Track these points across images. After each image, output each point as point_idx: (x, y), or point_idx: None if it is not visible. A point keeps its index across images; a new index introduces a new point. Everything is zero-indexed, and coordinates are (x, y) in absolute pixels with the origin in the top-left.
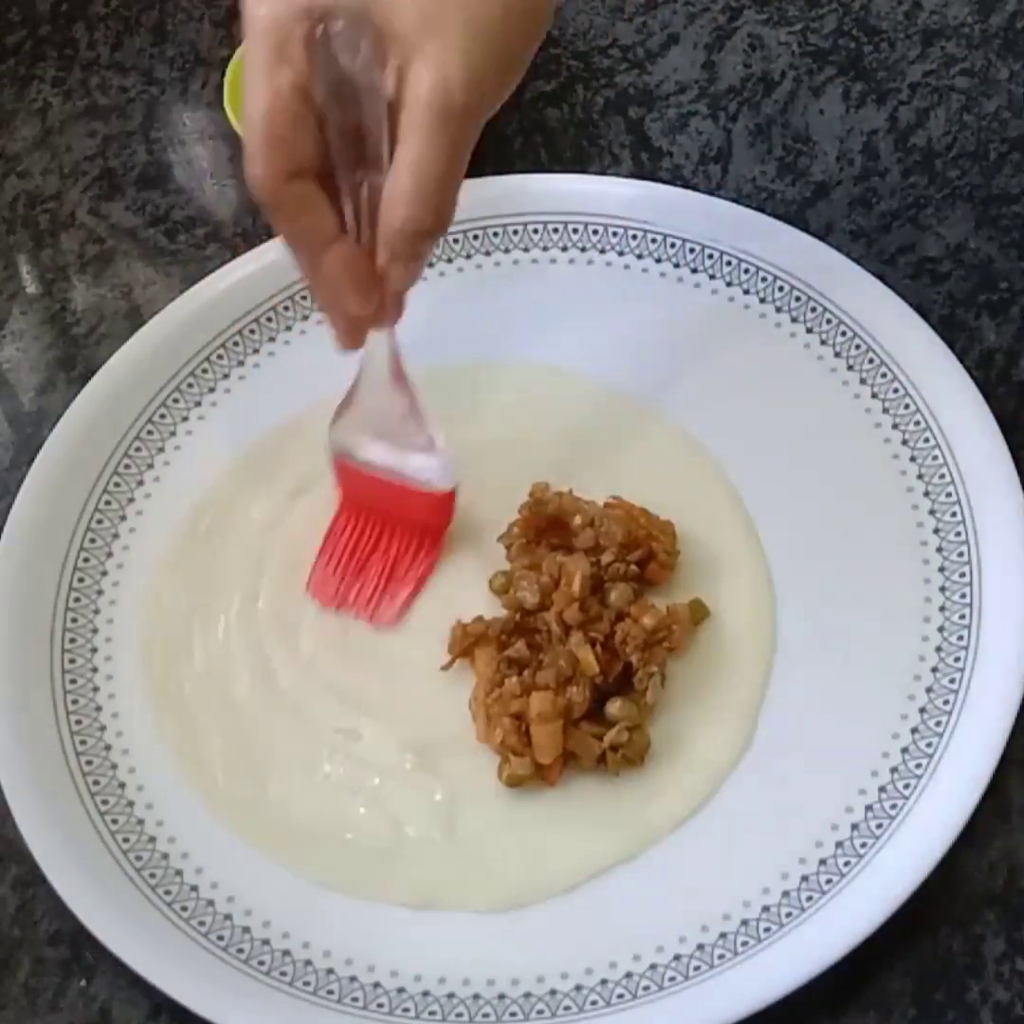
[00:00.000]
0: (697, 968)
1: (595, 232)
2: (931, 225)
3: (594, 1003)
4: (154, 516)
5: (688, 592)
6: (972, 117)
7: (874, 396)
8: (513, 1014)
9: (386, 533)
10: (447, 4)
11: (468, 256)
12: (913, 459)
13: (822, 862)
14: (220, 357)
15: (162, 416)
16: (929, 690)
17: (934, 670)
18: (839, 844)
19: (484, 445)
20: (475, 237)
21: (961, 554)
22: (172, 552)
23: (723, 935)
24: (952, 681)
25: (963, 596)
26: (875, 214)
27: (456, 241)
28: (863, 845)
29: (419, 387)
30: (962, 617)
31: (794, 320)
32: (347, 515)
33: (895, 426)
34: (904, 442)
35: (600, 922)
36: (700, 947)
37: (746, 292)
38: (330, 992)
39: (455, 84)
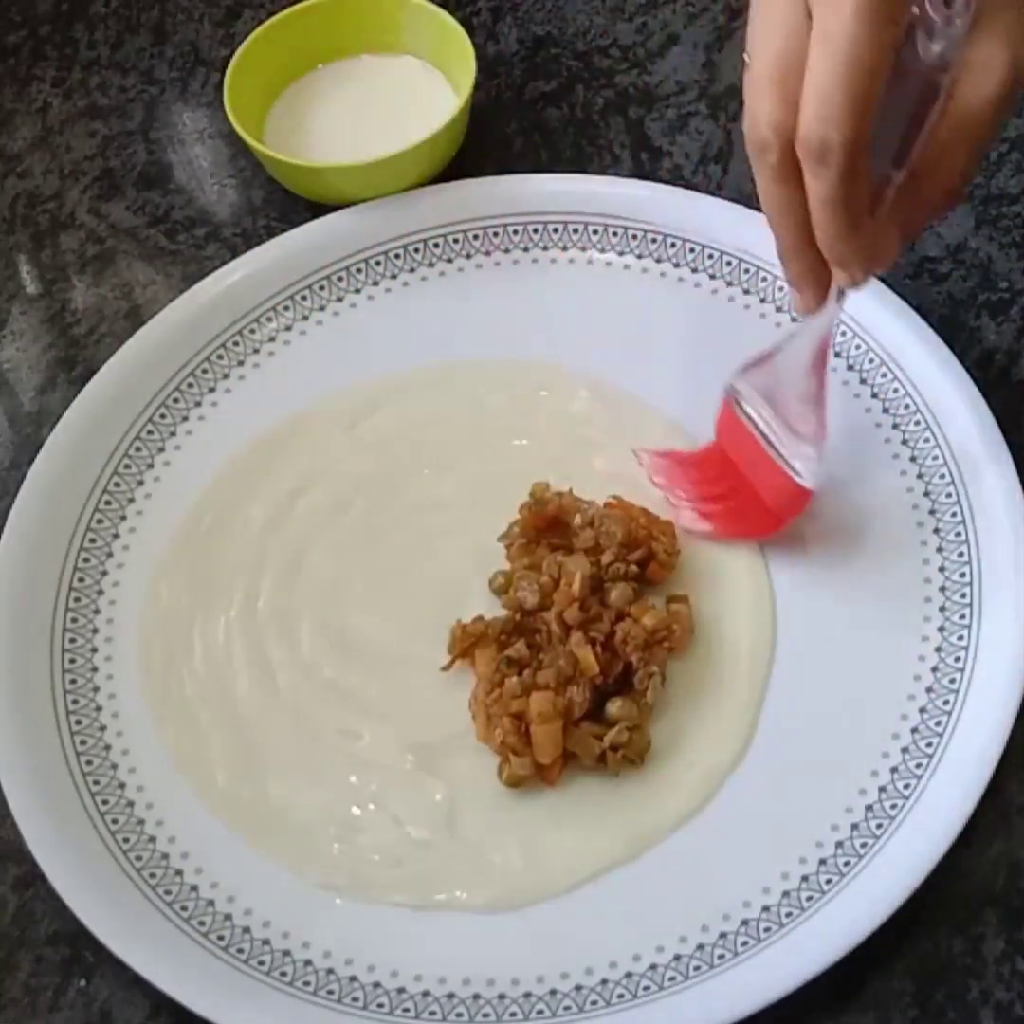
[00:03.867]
0: (697, 968)
1: (595, 232)
2: (931, 225)
3: (594, 1003)
4: (154, 516)
5: (688, 592)
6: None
7: (874, 396)
8: (513, 1014)
9: (732, 491)
10: None
11: (468, 256)
12: (913, 459)
13: (822, 862)
14: (220, 357)
15: (162, 416)
16: (929, 690)
17: (934, 670)
18: (839, 844)
19: (484, 445)
20: (475, 237)
21: (961, 554)
22: (172, 552)
23: (723, 935)
24: (952, 681)
25: (963, 596)
26: None
27: (456, 241)
28: (863, 845)
29: (824, 383)
30: (962, 617)
31: (794, 320)
32: (709, 454)
33: (895, 426)
34: (904, 442)
35: (600, 922)
36: (700, 947)
37: (746, 292)
38: (330, 992)
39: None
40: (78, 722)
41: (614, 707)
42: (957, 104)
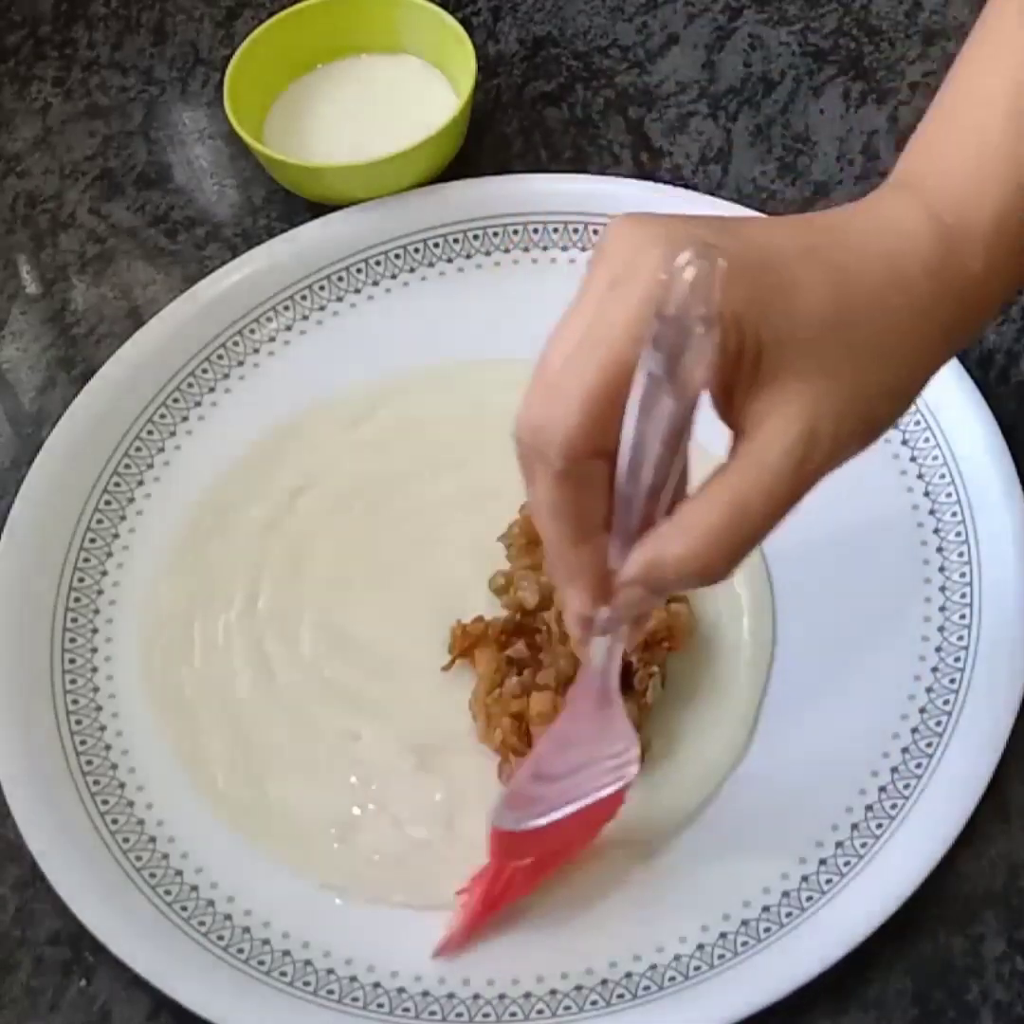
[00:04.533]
0: (697, 968)
1: (595, 232)
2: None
3: (594, 1003)
4: (154, 516)
5: (688, 592)
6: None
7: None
8: (513, 1014)
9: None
10: (844, 340)
11: (468, 256)
12: (913, 459)
13: (822, 862)
14: (220, 357)
15: (162, 416)
16: (929, 690)
17: (934, 670)
18: (839, 844)
19: (484, 445)
20: (475, 237)
21: (961, 554)
22: (172, 552)
23: (723, 935)
24: (952, 681)
25: (963, 596)
26: None
27: (456, 241)
28: (863, 845)
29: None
30: (962, 617)
31: None
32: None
33: (895, 426)
34: (904, 442)
35: (600, 922)
36: (700, 947)
37: None
38: (330, 992)
39: (824, 445)
40: (78, 722)
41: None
42: (734, 459)
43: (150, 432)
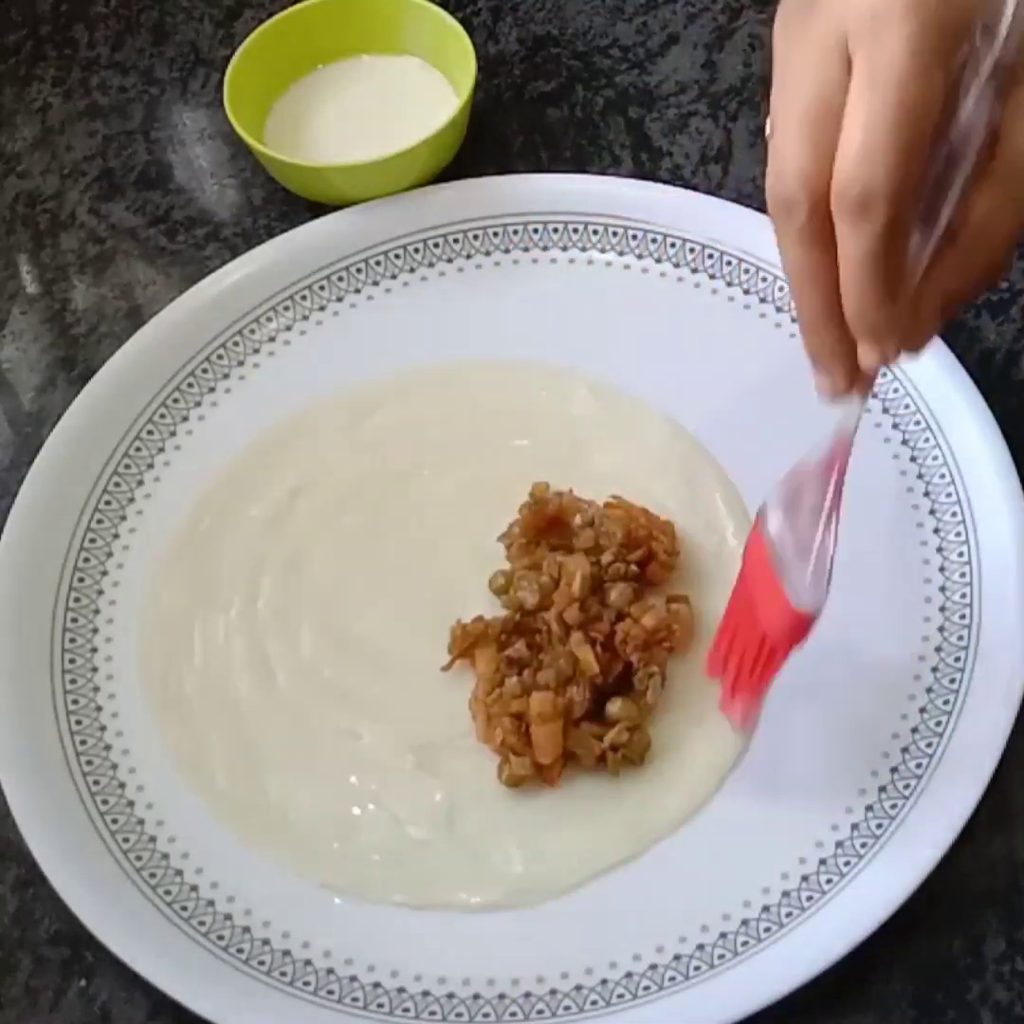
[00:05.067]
0: (697, 968)
1: (595, 232)
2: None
3: (594, 1003)
4: (154, 516)
5: (688, 592)
6: None
7: (874, 395)
8: (513, 1014)
9: (748, 621)
10: None
11: (468, 256)
12: (913, 459)
13: (822, 862)
14: (220, 357)
15: (162, 416)
16: (929, 690)
17: (934, 670)
18: (839, 844)
19: (484, 445)
20: (475, 237)
21: (961, 554)
22: (172, 552)
23: (723, 935)
24: (952, 681)
25: (963, 596)
26: None
27: (456, 241)
28: (863, 845)
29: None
30: (962, 617)
31: (794, 320)
32: (739, 587)
33: (895, 426)
34: (904, 442)
35: (600, 922)
36: (700, 947)
37: (746, 292)
38: (330, 992)
39: None
40: (78, 722)
41: (614, 707)
42: (1004, 165)
43: (150, 432)
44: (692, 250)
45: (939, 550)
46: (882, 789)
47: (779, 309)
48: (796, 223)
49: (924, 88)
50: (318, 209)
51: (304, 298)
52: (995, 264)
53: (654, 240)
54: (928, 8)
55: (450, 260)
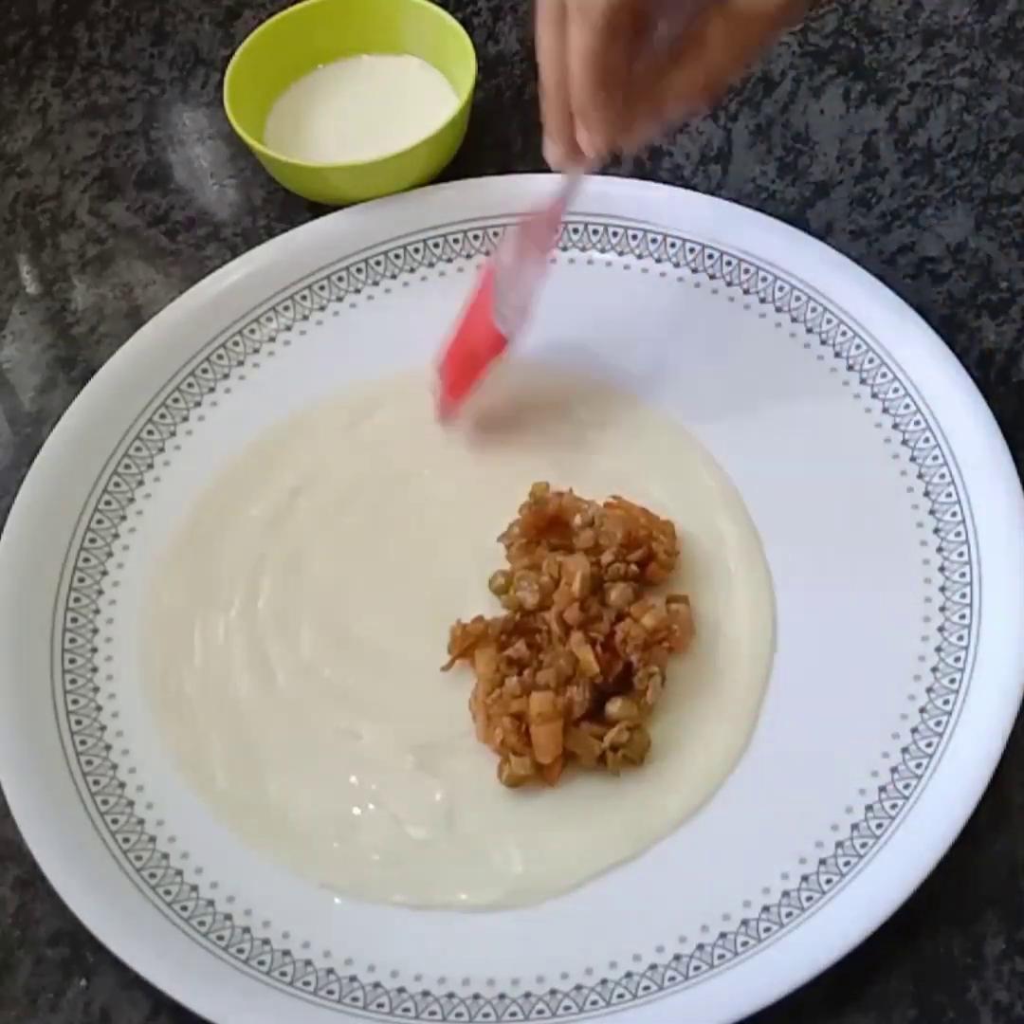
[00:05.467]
0: (697, 968)
1: (595, 232)
2: (931, 225)
3: (594, 1003)
4: (154, 516)
5: (688, 592)
6: (972, 117)
7: (874, 396)
8: (513, 1014)
9: (469, 336)
10: None
11: (468, 256)
12: (913, 459)
13: (822, 862)
14: (220, 357)
15: (162, 416)
16: (929, 690)
17: (934, 670)
18: (839, 844)
19: (484, 445)
20: (475, 237)
21: (961, 554)
22: (172, 552)
23: (723, 935)
24: (952, 681)
25: (963, 596)
26: (875, 214)
27: (456, 241)
28: (863, 845)
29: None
30: (962, 617)
31: (794, 320)
32: (470, 307)
33: (895, 426)
34: (904, 442)
35: (600, 922)
36: (700, 947)
37: (746, 292)
38: (330, 992)
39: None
40: (78, 722)
41: (614, 707)
42: (735, 5)
43: (150, 432)
44: (692, 250)
45: (939, 550)
46: (882, 789)
47: (779, 309)
48: (548, 6)
49: None
50: (318, 209)
51: (304, 298)
52: (700, 86)
53: (654, 240)
54: None
55: (450, 260)
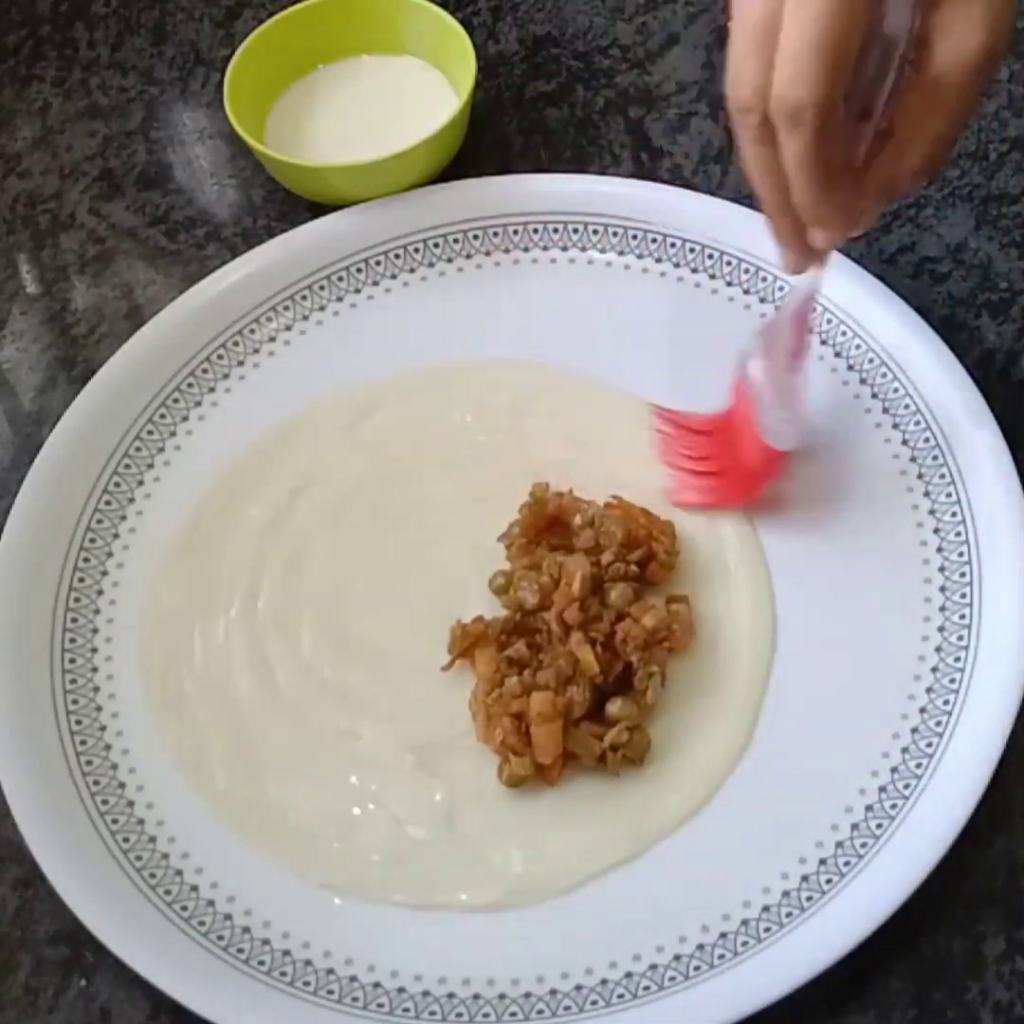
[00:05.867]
0: (697, 968)
1: (595, 232)
2: (931, 225)
3: (594, 1003)
4: (154, 516)
5: (688, 592)
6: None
7: (874, 396)
8: (513, 1014)
9: (721, 464)
10: None
11: (468, 256)
12: (913, 459)
13: (822, 862)
14: (220, 357)
15: (162, 416)
16: (929, 690)
17: (934, 670)
18: (839, 844)
19: (484, 445)
20: (475, 237)
21: (961, 554)
22: (172, 552)
23: (723, 935)
24: (952, 681)
25: (963, 596)
26: None
27: (456, 241)
28: (863, 845)
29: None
30: (962, 617)
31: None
32: (714, 422)
33: (895, 426)
34: (904, 442)
35: (600, 922)
36: (700, 947)
37: (746, 292)
38: (330, 992)
39: (1000, 48)
40: (78, 722)
41: (614, 707)
42: (933, 71)
43: (150, 432)
44: (692, 250)
45: (939, 550)
46: (882, 789)
47: (779, 309)
48: (750, 125)
49: (844, 12)
50: (318, 209)
51: (304, 298)
52: (927, 160)
53: (654, 240)
54: None
55: (450, 260)
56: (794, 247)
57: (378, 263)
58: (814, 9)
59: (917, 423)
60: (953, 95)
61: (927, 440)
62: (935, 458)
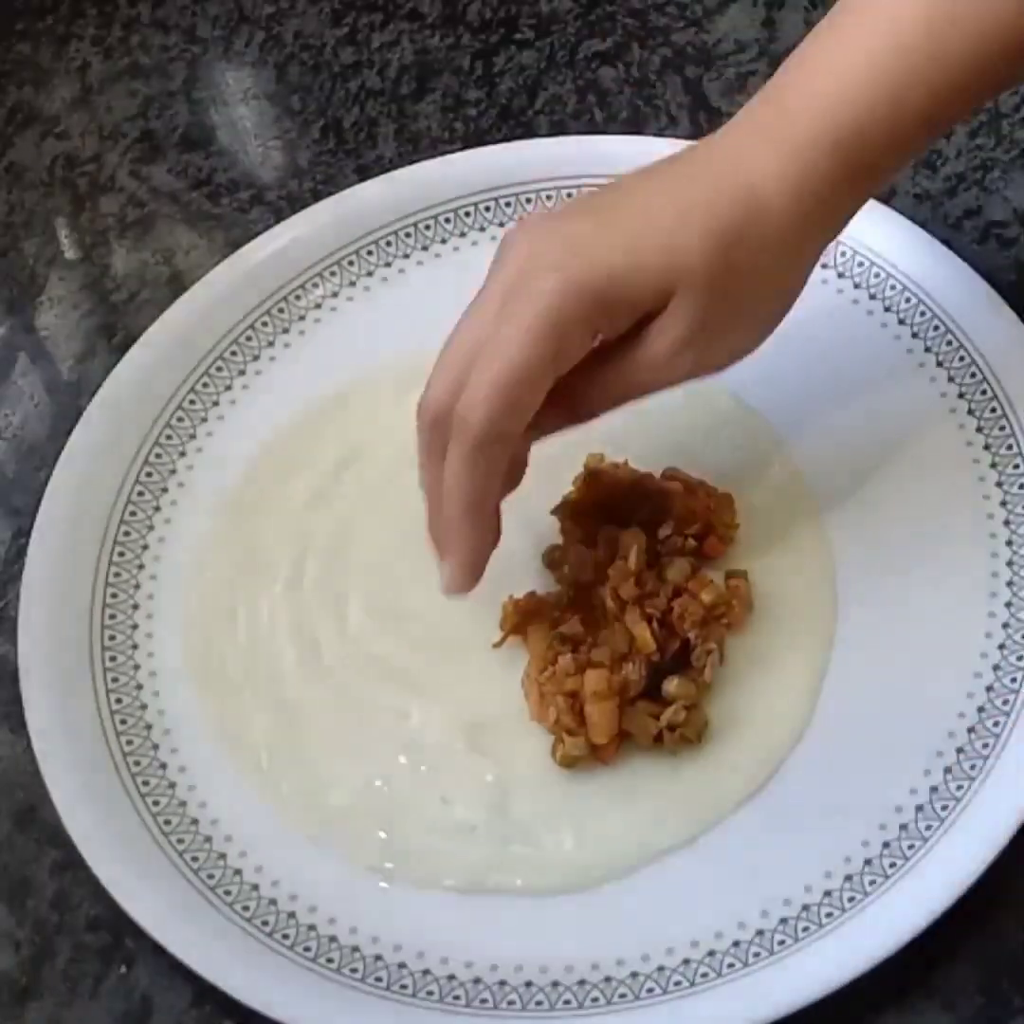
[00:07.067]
0: (756, 955)
1: None
2: (998, 188)
3: (651, 991)
4: (196, 489)
5: (747, 567)
6: None
7: (940, 365)
8: (567, 1002)
9: None
10: (726, 287)
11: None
12: (979, 430)
13: (885, 845)
14: (264, 324)
15: (205, 385)
16: (996, 668)
17: (1001, 647)
18: (903, 827)
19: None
20: (527, 200)
21: None
22: (215, 526)
23: (783, 921)
24: (1020, 658)
25: None
26: (940, 177)
27: (508, 205)
28: (928, 827)
29: None
30: None
31: (856, 286)
32: None
33: (961, 396)
34: (969, 411)
35: (656, 907)
36: (759, 933)
37: None
38: (378, 979)
39: (699, 346)
40: (118, 701)
41: (671, 685)
42: (628, 371)
43: (192, 402)
44: None
45: (1006, 523)
46: (947, 770)
47: (841, 274)
48: (424, 430)
49: (527, 355)
50: (365, 172)
51: (351, 264)
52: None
53: None
54: (545, 284)
55: (501, 224)
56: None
57: (427, 227)
58: (503, 350)
59: (983, 392)
60: (629, 392)
61: (994, 410)
62: (1002, 429)
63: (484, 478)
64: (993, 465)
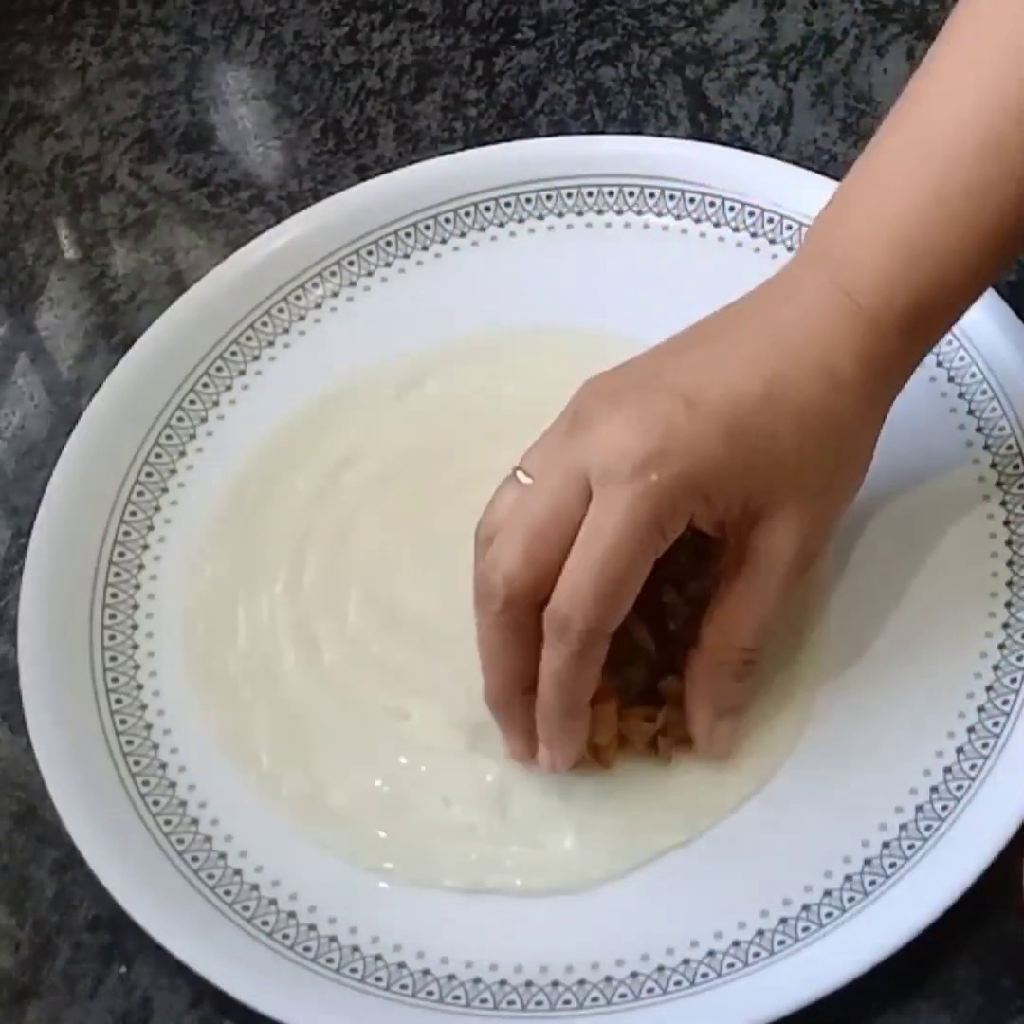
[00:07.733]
0: (756, 955)
1: (651, 195)
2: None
3: (651, 991)
4: (196, 489)
5: None
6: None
7: (940, 364)
8: (567, 1002)
9: None
10: (814, 467)
11: (520, 220)
12: (979, 430)
13: (885, 845)
14: (264, 324)
15: (205, 385)
16: (996, 668)
17: (1001, 647)
18: (903, 826)
19: (538, 412)
20: (527, 200)
21: None
22: (215, 526)
23: (783, 921)
24: (1020, 659)
25: None
26: None
27: (507, 205)
28: (928, 827)
29: None
30: None
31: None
32: None
33: (961, 395)
34: (970, 411)
35: (657, 907)
36: (759, 933)
37: None
38: (378, 979)
39: (815, 551)
40: (118, 701)
41: (667, 684)
42: (745, 583)
43: (192, 402)
44: (751, 214)
45: (1006, 524)
46: (947, 769)
47: None
48: (492, 610)
49: (632, 554)
50: (365, 172)
51: (351, 264)
52: (752, 637)
53: (712, 204)
54: (651, 477)
55: (501, 224)
56: (522, 739)
57: (427, 227)
58: (603, 541)
59: (984, 392)
60: (759, 606)
61: (994, 410)
62: (1002, 429)
63: (591, 674)
64: (993, 465)
